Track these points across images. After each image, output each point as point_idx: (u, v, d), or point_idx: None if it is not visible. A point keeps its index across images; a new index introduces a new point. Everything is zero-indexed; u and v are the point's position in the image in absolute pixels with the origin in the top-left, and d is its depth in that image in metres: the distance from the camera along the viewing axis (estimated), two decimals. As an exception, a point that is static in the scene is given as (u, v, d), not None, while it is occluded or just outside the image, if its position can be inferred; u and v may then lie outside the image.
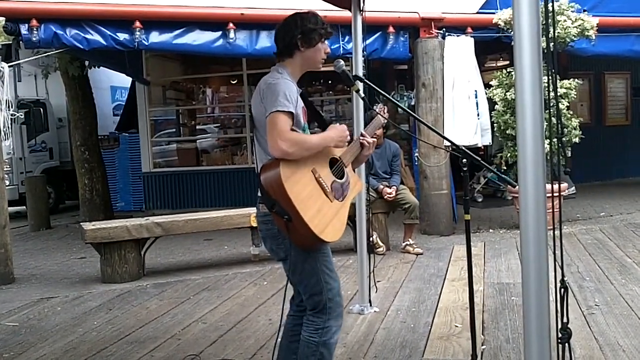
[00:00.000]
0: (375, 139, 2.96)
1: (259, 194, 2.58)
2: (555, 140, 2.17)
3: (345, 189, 2.71)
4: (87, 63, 9.87)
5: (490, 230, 7.50)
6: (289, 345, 2.82)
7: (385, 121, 3.14)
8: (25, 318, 4.85)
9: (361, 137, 2.90)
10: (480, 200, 9.51)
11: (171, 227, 6.11)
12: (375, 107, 3.13)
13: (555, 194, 2.35)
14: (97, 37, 6.74)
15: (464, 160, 2.87)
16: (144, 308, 4.95)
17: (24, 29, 6.43)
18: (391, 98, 3.15)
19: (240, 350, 3.82)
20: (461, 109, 7.46)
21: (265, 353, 3.68)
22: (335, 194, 2.62)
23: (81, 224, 6.34)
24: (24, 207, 10.70)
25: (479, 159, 2.95)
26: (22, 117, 11.36)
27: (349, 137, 2.71)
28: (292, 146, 2.43)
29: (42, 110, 12.33)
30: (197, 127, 11.98)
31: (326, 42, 2.73)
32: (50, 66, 10.55)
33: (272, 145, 2.43)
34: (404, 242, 6.50)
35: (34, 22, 6.42)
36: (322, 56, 2.72)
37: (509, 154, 7.48)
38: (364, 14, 4.41)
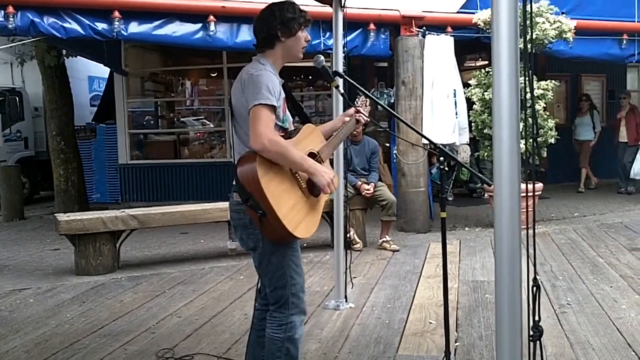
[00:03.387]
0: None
1: (234, 183, 2.57)
2: (531, 140, 2.19)
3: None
4: (64, 52, 9.73)
5: (466, 229, 7.57)
6: (257, 340, 2.82)
7: (367, 119, 3.13)
8: (-4, 310, 4.78)
9: (357, 115, 3.00)
10: (450, 199, 9.55)
11: (147, 220, 6.06)
12: (356, 100, 3.12)
13: (529, 194, 2.38)
14: (75, 26, 6.65)
15: (442, 158, 2.89)
16: (118, 301, 4.91)
17: (-1, 16, 6.32)
18: (371, 95, 3.15)
19: (215, 344, 3.81)
20: (440, 108, 7.51)
21: (239, 347, 3.67)
22: (310, 190, 2.62)
23: (55, 215, 6.25)
24: (-3, 197, 10.54)
25: (456, 157, 2.97)
26: (-3, 105, 11.20)
27: (331, 187, 2.62)
28: (273, 146, 2.41)
29: (17, 98, 12.13)
30: (176, 119, 11.89)
31: (306, 30, 2.71)
32: (27, 54, 10.38)
33: (254, 138, 2.42)
34: (380, 238, 6.53)
35: (10, 9, 6.30)
36: (302, 45, 2.70)
37: (485, 153, 7.55)
38: (345, 10, 4.41)
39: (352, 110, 3.02)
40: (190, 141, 11.67)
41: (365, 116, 3.01)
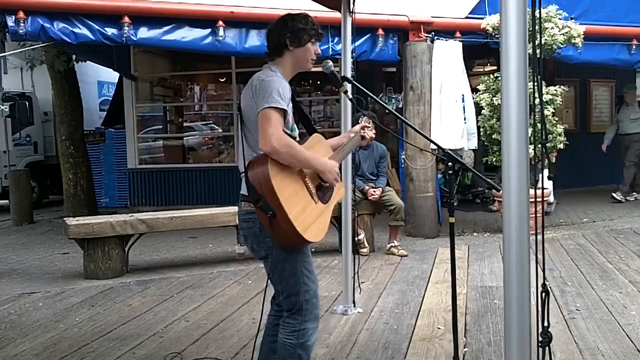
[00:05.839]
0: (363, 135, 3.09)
1: (242, 192, 2.58)
2: (539, 145, 2.19)
3: (329, 193, 2.73)
4: (74, 57, 9.80)
5: (475, 234, 7.54)
6: (270, 346, 2.83)
7: (372, 135, 3.17)
8: (6, 313, 4.80)
9: (362, 131, 3.05)
10: (455, 204, 9.45)
11: (156, 224, 6.08)
12: (360, 119, 3.16)
13: (538, 199, 2.38)
14: (85, 31, 6.69)
15: (450, 163, 2.89)
16: (127, 305, 4.92)
17: (10, 21, 6.38)
18: (379, 100, 3.16)
19: (223, 349, 3.81)
20: (448, 113, 7.50)
21: (247, 352, 3.67)
22: (319, 197, 2.63)
23: (65, 219, 6.28)
24: (7, 201, 10.59)
25: (464, 162, 2.97)
26: (7, 110, 11.28)
27: (338, 179, 2.72)
28: (283, 147, 2.43)
29: (27, 103, 12.21)
30: (184, 124, 11.94)
31: (316, 43, 2.74)
32: (37, 59, 10.46)
33: (264, 140, 2.43)
34: (388, 243, 6.52)
35: (21, 14, 6.36)
36: (311, 56, 2.73)
37: (494, 159, 7.54)
38: (353, 15, 4.42)
39: (357, 127, 3.07)
40: (198, 146, 11.71)
41: (370, 134, 3.08)
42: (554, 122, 7.43)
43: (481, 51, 8.82)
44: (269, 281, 2.71)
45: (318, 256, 6.36)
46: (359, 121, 3.13)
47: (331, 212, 2.72)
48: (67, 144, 10.05)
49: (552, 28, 7.11)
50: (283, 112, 2.48)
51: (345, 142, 3.02)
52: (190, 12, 7.10)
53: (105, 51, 9.37)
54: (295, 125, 2.68)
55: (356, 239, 5.30)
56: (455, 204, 2.98)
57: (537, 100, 2.09)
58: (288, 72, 2.71)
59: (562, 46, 7.26)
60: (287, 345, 2.63)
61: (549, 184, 8.26)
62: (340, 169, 2.91)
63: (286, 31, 2.65)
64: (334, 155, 2.86)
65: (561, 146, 7.37)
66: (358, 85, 3.12)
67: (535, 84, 2.09)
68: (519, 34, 1.69)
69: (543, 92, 6.65)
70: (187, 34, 7.13)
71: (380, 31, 7.49)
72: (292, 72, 2.73)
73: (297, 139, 2.70)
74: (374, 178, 6.49)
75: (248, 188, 2.50)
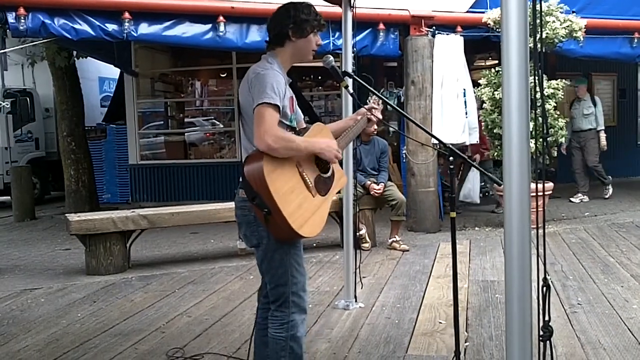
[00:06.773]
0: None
1: (241, 180, 2.58)
2: (541, 140, 2.19)
3: (329, 183, 2.72)
4: (75, 53, 9.79)
5: (476, 228, 7.54)
6: (262, 339, 2.83)
7: (379, 117, 3.11)
8: (8, 309, 4.81)
9: (368, 113, 2.98)
10: (457, 199, 9.47)
11: (157, 220, 6.08)
12: (368, 99, 3.12)
13: (540, 193, 2.37)
14: (85, 27, 6.69)
15: (451, 158, 2.88)
16: (129, 301, 4.93)
17: (11, 18, 6.37)
18: (380, 95, 3.15)
19: (225, 344, 3.82)
20: (449, 107, 7.49)
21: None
22: (318, 189, 2.63)
23: (66, 215, 6.29)
24: (9, 197, 10.61)
25: (466, 157, 2.96)
26: (9, 106, 11.28)
27: (338, 155, 2.70)
28: (278, 142, 2.43)
29: (28, 99, 12.21)
30: (186, 120, 11.94)
31: (318, 34, 2.72)
32: (37, 55, 10.45)
33: (259, 138, 2.43)
34: (390, 238, 6.52)
35: (22, 11, 6.35)
36: (313, 47, 2.71)
37: (496, 153, 7.53)
38: (354, 10, 4.40)
39: (364, 109, 3.02)
40: (199, 141, 11.71)
41: (377, 115, 3.01)
42: (556, 116, 7.41)
43: (482, 45, 8.80)
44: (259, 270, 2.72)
45: (319, 251, 6.37)
46: (367, 101, 3.09)
47: (330, 203, 2.72)
48: (69, 140, 10.06)
49: (554, 22, 7.09)
50: (277, 108, 2.47)
51: (351, 124, 2.98)
52: (191, 7, 7.09)
53: (106, 47, 9.36)
54: (295, 115, 2.67)
55: (358, 234, 5.30)
56: (456, 198, 2.97)
57: (538, 95, 2.09)
58: (287, 62, 2.70)
59: (563, 40, 7.24)
60: (278, 339, 2.64)
61: None
62: (340, 164, 2.90)
63: (289, 21, 2.62)
64: (338, 141, 2.82)
65: (562, 140, 7.36)
66: (359, 80, 3.11)
67: (537, 78, 2.08)
68: (520, 28, 1.68)
69: (544, 86, 6.63)
70: (187, 30, 7.12)
71: (381, 26, 7.48)
72: (291, 62, 2.72)
73: (298, 127, 2.69)
74: (375, 173, 6.49)
75: (244, 184, 2.50)
